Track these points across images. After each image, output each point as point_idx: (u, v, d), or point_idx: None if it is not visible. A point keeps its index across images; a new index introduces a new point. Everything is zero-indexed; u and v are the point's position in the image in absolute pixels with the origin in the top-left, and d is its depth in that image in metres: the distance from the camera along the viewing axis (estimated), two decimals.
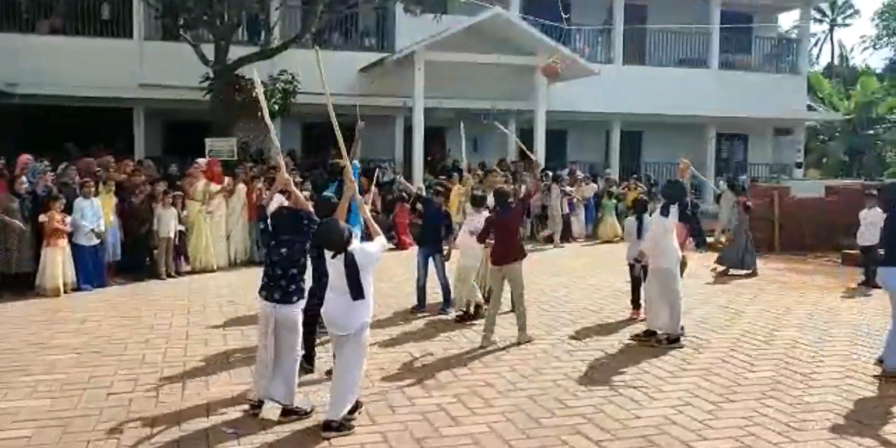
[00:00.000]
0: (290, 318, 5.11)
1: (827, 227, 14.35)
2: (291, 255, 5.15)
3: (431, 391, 5.71)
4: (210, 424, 4.95)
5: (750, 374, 6.24)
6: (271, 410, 4.99)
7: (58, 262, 9.22)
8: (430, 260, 8.49)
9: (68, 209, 9.48)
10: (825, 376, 6.22)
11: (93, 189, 9.84)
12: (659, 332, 7.25)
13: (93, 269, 9.67)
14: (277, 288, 5.11)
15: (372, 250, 4.95)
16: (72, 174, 10.40)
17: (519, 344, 7.07)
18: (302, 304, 5.23)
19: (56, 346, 6.88)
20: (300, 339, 5.24)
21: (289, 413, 5.04)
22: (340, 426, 4.80)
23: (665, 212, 7.17)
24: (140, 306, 8.68)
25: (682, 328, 7.34)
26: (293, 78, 15.91)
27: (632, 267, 8.29)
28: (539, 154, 17.98)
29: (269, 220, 5.30)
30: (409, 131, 17.61)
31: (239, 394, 5.51)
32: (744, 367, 6.43)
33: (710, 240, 14.92)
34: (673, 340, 7.14)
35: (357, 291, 4.77)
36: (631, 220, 8.44)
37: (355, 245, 4.90)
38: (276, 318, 5.07)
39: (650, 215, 8.01)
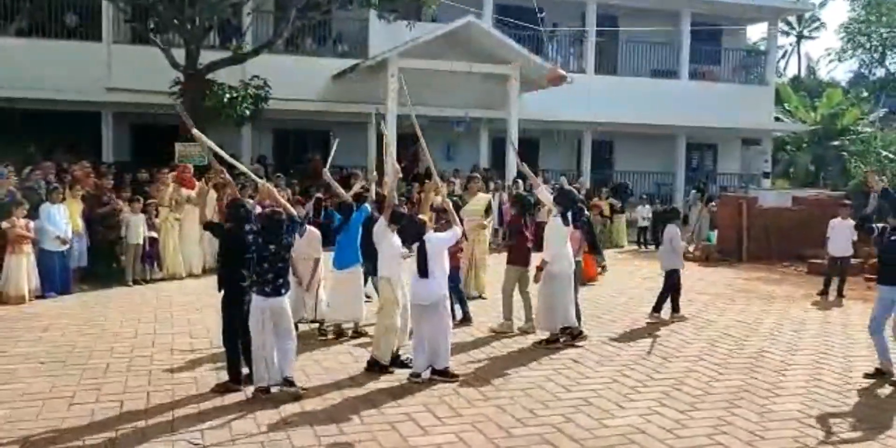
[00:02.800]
0: (282, 307, 5.71)
1: (793, 237, 14.58)
2: (279, 251, 5.68)
3: (398, 399, 5.68)
4: (175, 436, 4.86)
5: (717, 383, 6.29)
6: (284, 394, 5.61)
7: (22, 269, 9.03)
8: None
9: (34, 214, 9.30)
10: (791, 385, 6.29)
11: (62, 194, 9.66)
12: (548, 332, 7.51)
13: (58, 276, 9.48)
14: (267, 283, 5.63)
15: (444, 237, 6.30)
16: (36, 179, 10.20)
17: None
18: (289, 294, 5.86)
19: (16, 354, 6.72)
20: (293, 323, 5.93)
21: (290, 384, 5.65)
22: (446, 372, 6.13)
23: (566, 220, 7.41)
24: (106, 313, 8.52)
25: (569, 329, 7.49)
26: (265, 83, 15.83)
27: (667, 274, 8.79)
28: (511, 163, 18.09)
29: (255, 222, 5.85)
30: (381, 138, 17.56)
31: (202, 410, 5.43)
32: (711, 377, 6.49)
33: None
34: (552, 338, 7.42)
35: (422, 271, 6.06)
36: (671, 228, 8.91)
37: (429, 235, 6.17)
38: (269, 310, 5.62)
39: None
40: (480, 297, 9.65)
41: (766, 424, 5.33)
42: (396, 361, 6.42)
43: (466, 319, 8.30)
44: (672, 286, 8.83)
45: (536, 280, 7.56)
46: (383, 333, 6.30)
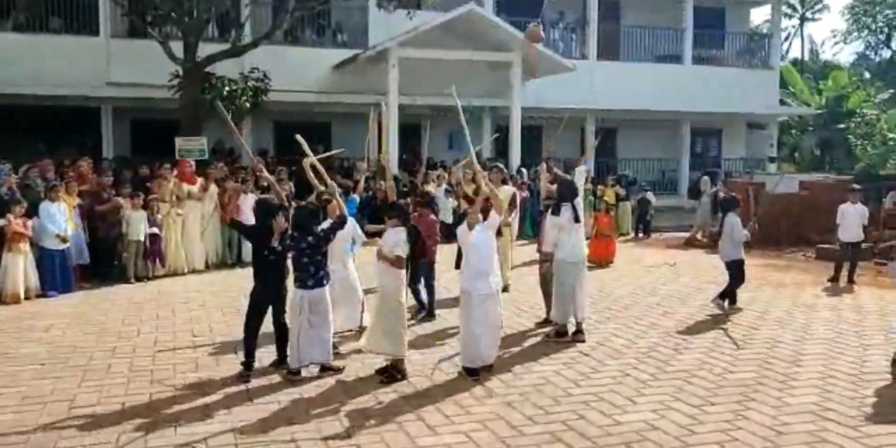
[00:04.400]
0: (322, 297, 5.99)
1: (801, 221, 14.41)
2: (317, 243, 5.93)
3: (405, 398, 5.57)
4: (181, 439, 4.76)
5: (731, 376, 6.17)
6: (310, 370, 5.97)
7: (19, 268, 8.93)
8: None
9: (32, 212, 9.18)
10: (805, 377, 6.16)
11: (60, 192, 9.54)
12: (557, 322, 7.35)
13: (59, 275, 9.37)
14: (310, 276, 5.89)
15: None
16: (34, 176, 10.07)
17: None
18: (328, 284, 6.09)
19: (17, 356, 6.62)
20: (331, 310, 6.12)
21: (326, 369, 6.02)
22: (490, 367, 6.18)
23: (556, 211, 7.28)
24: (107, 312, 8.42)
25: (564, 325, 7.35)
26: (264, 75, 15.67)
27: (728, 265, 8.70)
28: (514, 151, 17.93)
29: (291, 216, 6.06)
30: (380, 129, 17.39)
31: (206, 411, 5.33)
32: (724, 369, 6.36)
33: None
34: (561, 333, 7.26)
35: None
36: (731, 217, 8.71)
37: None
38: (309, 300, 5.87)
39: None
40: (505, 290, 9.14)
41: (783, 418, 5.20)
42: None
43: (430, 315, 8.07)
44: (738, 276, 8.72)
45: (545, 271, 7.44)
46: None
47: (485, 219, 6.24)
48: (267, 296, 6.07)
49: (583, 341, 7.16)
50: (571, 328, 7.35)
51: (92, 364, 6.36)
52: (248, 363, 6.01)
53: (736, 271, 8.78)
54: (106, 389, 5.68)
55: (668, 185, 22.47)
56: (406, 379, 5.95)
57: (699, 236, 14.94)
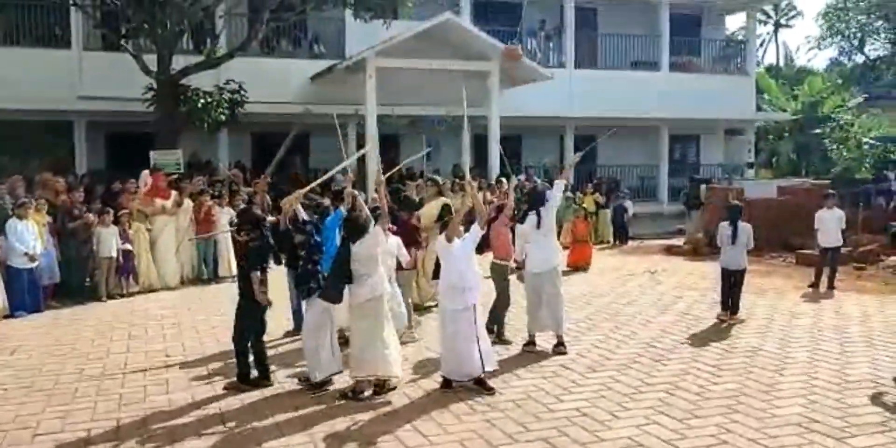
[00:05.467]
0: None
1: (780, 226, 14.44)
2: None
3: (382, 417, 5.41)
4: None
5: (714, 387, 6.08)
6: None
7: None
8: None
9: None
10: (789, 387, 6.08)
11: (30, 210, 9.30)
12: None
13: (28, 294, 9.11)
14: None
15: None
16: (2, 193, 9.81)
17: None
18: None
19: None
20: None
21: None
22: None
23: (522, 219, 7.34)
24: (77, 332, 8.18)
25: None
26: (240, 87, 15.50)
27: (741, 273, 8.52)
28: (493, 160, 17.84)
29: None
30: (362, 139, 17.27)
31: (175, 436, 5.15)
32: (707, 380, 6.27)
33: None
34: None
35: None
36: (724, 226, 8.61)
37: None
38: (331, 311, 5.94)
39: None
40: (425, 308, 8.81)
41: (768, 431, 5.10)
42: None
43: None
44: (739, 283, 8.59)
45: (520, 279, 7.43)
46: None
47: (466, 231, 6.13)
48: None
49: (563, 354, 7.06)
50: (546, 340, 7.28)
51: (57, 388, 6.14)
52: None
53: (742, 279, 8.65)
54: (71, 415, 5.47)
55: (648, 192, 22.49)
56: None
57: (681, 243, 14.94)
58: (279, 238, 6.92)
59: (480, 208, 6.32)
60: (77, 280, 10.19)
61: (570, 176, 7.43)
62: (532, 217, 7.23)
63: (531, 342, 7.29)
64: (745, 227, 8.56)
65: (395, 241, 7.14)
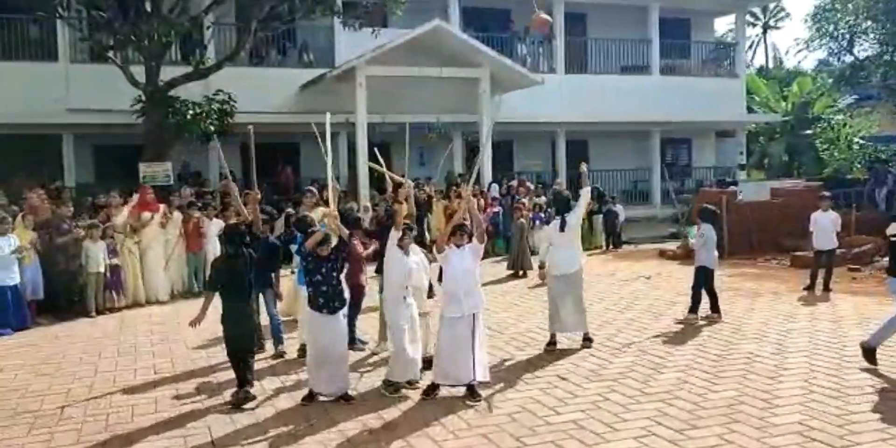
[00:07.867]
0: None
1: (773, 228, 14.39)
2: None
3: (375, 433, 5.30)
4: None
5: (712, 395, 5.99)
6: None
7: None
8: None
9: None
10: (787, 393, 6.00)
11: (10, 226, 9.16)
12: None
13: (12, 311, 8.94)
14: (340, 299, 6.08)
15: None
16: None
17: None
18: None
19: None
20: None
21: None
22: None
23: (549, 222, 8.00)
24: (64, 350, 8.03)
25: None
26: (229, 97, 15.41)
27: (698, 270, 8.76)
28: (486, 165, 17.75)
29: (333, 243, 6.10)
30: (353, 148, 17.19)
31: None
32: (704, 388, 6.17)
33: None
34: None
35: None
36: (707, 227, 8.85)
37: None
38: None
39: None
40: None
41: (768, 440, 5.01)
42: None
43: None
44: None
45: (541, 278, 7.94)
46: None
47: (468, 241, 6.19)
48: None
49: (591, 342, 7.63)
50: (574, 338, 7.71)
51: (43, 409, 6.00)
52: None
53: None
54: (56, 438, 5.34)
55: (641, 196, 22.47)
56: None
57: (674, 247, 14.88)
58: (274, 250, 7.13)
59: (478, 221, 6.42)
60: (65, 296, 10.03)
61: (588, 183, 7.67)
62: (557, 221, 7.60)
63: (552, 342, 7.57)
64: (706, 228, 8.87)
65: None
